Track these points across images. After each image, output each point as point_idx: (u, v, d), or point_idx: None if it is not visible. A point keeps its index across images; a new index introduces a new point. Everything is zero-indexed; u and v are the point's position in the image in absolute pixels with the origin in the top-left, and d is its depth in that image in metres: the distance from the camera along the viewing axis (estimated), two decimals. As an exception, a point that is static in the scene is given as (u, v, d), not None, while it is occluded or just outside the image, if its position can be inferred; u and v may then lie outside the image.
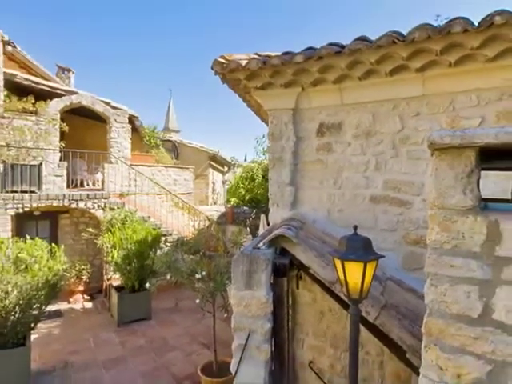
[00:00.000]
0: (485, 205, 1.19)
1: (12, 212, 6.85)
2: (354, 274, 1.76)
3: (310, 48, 2.74)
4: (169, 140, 15.24)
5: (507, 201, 1.67)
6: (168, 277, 4.80)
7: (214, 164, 15.36)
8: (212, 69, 3.07)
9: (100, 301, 7.77)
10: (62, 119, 8.49)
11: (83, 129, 10.17)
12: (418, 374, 1.32)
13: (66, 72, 12.36)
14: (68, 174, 8.41)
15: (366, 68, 2.67)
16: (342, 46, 2.59)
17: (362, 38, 2.51)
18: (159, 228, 8.05)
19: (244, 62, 2.92)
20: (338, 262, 1.80)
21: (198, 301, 4.20)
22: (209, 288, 4.07)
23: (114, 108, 9.49)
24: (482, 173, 1.20)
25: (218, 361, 4.09)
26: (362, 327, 2.14)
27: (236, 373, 2.67)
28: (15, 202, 6.88)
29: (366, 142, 2.88)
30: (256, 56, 2.97)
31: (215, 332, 4.23)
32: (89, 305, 7.56)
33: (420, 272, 1.81)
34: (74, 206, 7.59)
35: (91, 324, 6.45)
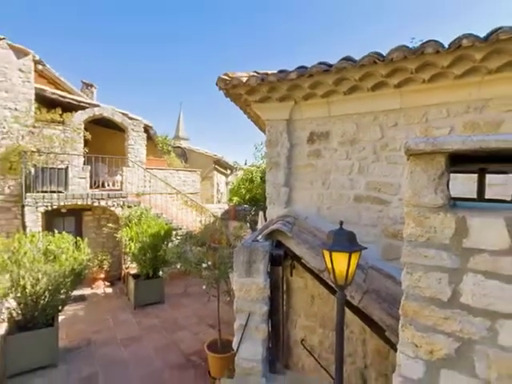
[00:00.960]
0: (454, 203, 1.20)
1: (42, 209, 6.83)
2: (340, 263, 1.76)
3: (302, 67, 2.74)
4: (179, 146, 15.23)
5: (473, 200, 1.68)
6: (178, 266, 4.80)
7: (218, 167, 15.33)
8: (216, 85, 3.06)
9: (119, 287, 7.74)
10: (86, 128, 8.45)
11: (104, 137, 10.12)
12: (395, 350, 1.33)
13: (89, 87, 12.29)
14: (91, 176, 8.38)
15: (351, 84, 2.67)
16: (330, 65, 2.58)
17: (347, 58, 2.51)
18: (171, 223, 8.01)
19: (244, 79, 2.92)
20: (327, 253, 1.80)
21: (204, 287, 4.19)
22: (214, 275, 4.07)
23: (131, 119, 9.46)
24: (452, 175, 1.20)
25: (221, 339, 4.08)
26: (347, 309, 2.14)
27: (237, 349, 2.67)
28: (45, 200, 6.86)
29: (350, 148, 2.89)
30: (255, 73, 2.97)
31: (219, 314, 4.21)
32: (109, 290, 7.52)
33: (397, 261, 1.81)
34: (96, 204, 7.57)
35: (111, 307, 6.42)
